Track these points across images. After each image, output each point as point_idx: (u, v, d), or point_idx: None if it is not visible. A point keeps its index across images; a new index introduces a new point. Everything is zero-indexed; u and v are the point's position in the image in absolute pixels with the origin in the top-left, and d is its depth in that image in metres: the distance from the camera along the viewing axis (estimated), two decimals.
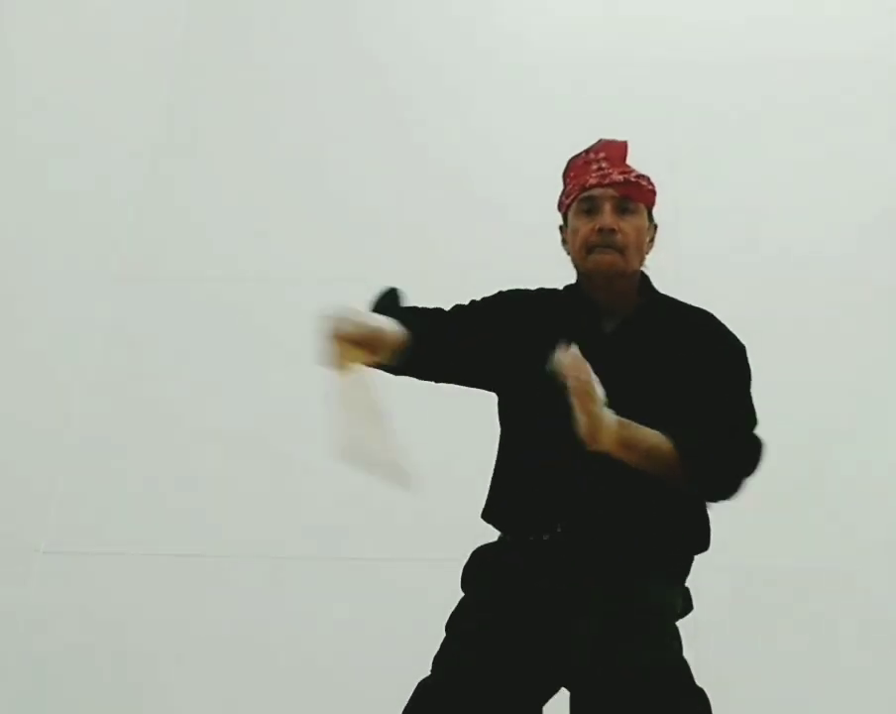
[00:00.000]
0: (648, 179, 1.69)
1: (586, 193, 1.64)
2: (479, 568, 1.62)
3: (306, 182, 3.62)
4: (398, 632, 2.73)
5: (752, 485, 2.88)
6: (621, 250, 1.60)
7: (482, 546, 1.66)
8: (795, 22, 3.78)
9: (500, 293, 1.75)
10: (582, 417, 1.35)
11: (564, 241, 1.73)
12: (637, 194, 1.65)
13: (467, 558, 1.67)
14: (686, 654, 1.55)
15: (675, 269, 3.24)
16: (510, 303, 1.71)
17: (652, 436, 1.44)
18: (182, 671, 2.82)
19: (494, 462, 1.70)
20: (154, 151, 3.73)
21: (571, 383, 1.35)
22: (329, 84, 3.87)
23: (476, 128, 3.66)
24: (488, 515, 1.66)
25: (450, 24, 3.97)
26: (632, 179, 1.64)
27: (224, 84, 3.91)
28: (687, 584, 1.63)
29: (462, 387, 1.74)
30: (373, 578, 2.87)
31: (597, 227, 1.60)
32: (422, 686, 1.49)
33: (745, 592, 2.79)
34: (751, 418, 1.63)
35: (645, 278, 1.71)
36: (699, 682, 1.55)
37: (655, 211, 1.75)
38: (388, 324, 1.59)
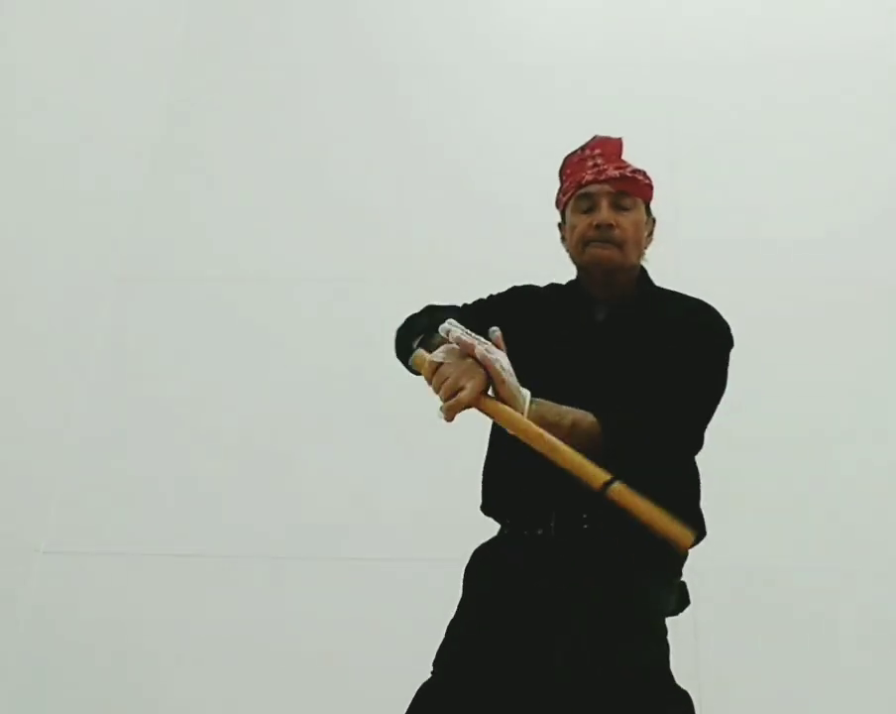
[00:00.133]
0: (645, 174, 1.69)
1: (583, 190, 1.65)
2: (477, 568, 1.63)
3: (306, 182, 3.63)
4: (399, 632, 2.72)
5: (753, 485, 2.90)
6: (620, 245, 1.62)
7: (481, 546, 1.66)
8: (796, 21, 3.78)
9: (513, 288, 1.76)
10: (501, 399, 1.36)
11: (563, 238, 1.74)
12: (634, 189, 1.65)
13: (468, 558, 1.68)
14: (686, 653, 1.55)
15: (675, 267, 3.25)
16: (520, 299, 1.72)
17: (573, 413, 1.42)
18: (182, 671, 2.82)
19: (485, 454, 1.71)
20: (154, 151, 3.74)
21: (491, 372, 1.35)
22: (329, 84, 3.87)
23: (476, 127, 3.66)
24: (486, 508, 1.67)
25: (451, 23, 3.98)
26: (628, 175, 1.65)
27: (224, 84, 3.91)
28: (688, 580, 1.62)
29: None
30: (373, 578, 2.87)
31: (594, 223, 1.62)
32: (423, 687, 1.50)
33: (745, 592, 2.79)
34: (691, 406, 1.53)
35: (644, 272, 1.72)
36: (699, 682, 1.54)
37: (655, 208, 1.75)
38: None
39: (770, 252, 3.31)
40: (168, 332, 3.36)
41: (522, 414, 1.38)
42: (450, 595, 1.67)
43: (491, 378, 1.36)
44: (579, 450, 1.38)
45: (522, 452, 1.46)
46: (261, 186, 3.64)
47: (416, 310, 1.66)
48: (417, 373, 1.48)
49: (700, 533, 1.61)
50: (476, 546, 1.70)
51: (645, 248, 1.70)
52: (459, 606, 1.61)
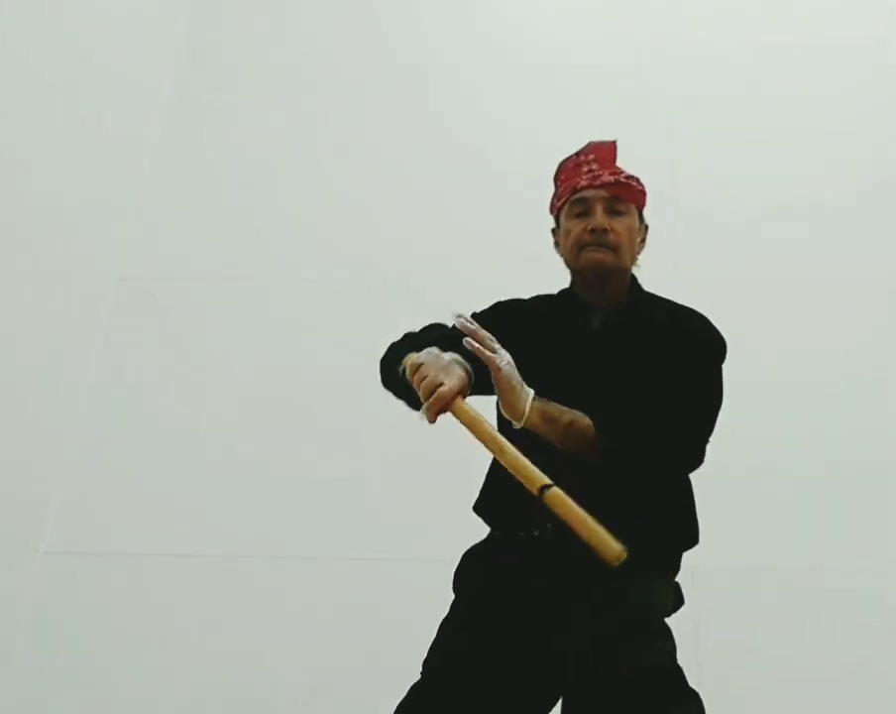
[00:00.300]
0: (638, 181, 1.70)
1: (577, 195, 1.66)
2: (468, 570, 1.64)
3: (307, 182, 3.63)
4: (399, 631, 2.72)
5: (753, 485, 2.90)
6: (615, 249, 1.63)
7: (471, 547, 1.67)
8: (796, 20, 3.79)
9: (498, 302, 1.78)
10: (502, 397, 1.45)
11: (556, 244, 1.75)
12: (628, 194, 1.67)
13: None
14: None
15: (674, 265, 3.25)
16: (507, 312, 1.74)
17: (571, 413, 1.47)
18: (182, 671, 2.82)
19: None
20: (154, 151, 3.74)
21: (494, 373, 1.43)
22: (329, 84, 3.87)
23: (476, 126, 3.66)
24: (479, 509, 1.69)
25: (454, 22, 3.98)
26: (623, 180, 1.66)
27: (225, 84, 3.92)
28: (688, 579, 1.62)
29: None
30: (373, 578, 2.87)
31: (589, 227, 1.63)
32: (412, 689, 1.52)
33: (745, 592, 2.79)
34: (693, 412, 1.57)
35: (634, 278, 1.73)
36: (699, 681, 1.54)
37: (655, 207, 1.75)
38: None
39: (770, 250, 3.31)
40: (167, 332, 3.36)
41: (524, 407, 1.44)
42: (450, 595, 1.67)
43: (491, 371, 1.43)
44: (575, 449, 1.44)
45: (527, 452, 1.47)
46: (261, 187, 3.64)
47: (397, 339, 1.70)
48: (406, 396, 1.55)
49: (693, 540, 1.64)
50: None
51: (638, 254, 1.71)
52: (450, 608, 1.62)
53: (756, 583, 2.79)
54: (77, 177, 3.21)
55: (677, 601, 1.61)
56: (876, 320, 3.18)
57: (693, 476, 1.69)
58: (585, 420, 1.47)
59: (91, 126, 3.31)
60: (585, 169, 1.67)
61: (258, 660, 2.82)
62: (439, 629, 1.59)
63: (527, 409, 1.45)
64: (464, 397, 1.44)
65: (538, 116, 3.63)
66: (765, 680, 2.67)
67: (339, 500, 2.99)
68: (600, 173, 1.66)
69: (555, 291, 1.81)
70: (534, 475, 1.39)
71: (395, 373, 1.56)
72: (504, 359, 1.44)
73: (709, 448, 1.68)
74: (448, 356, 1.45)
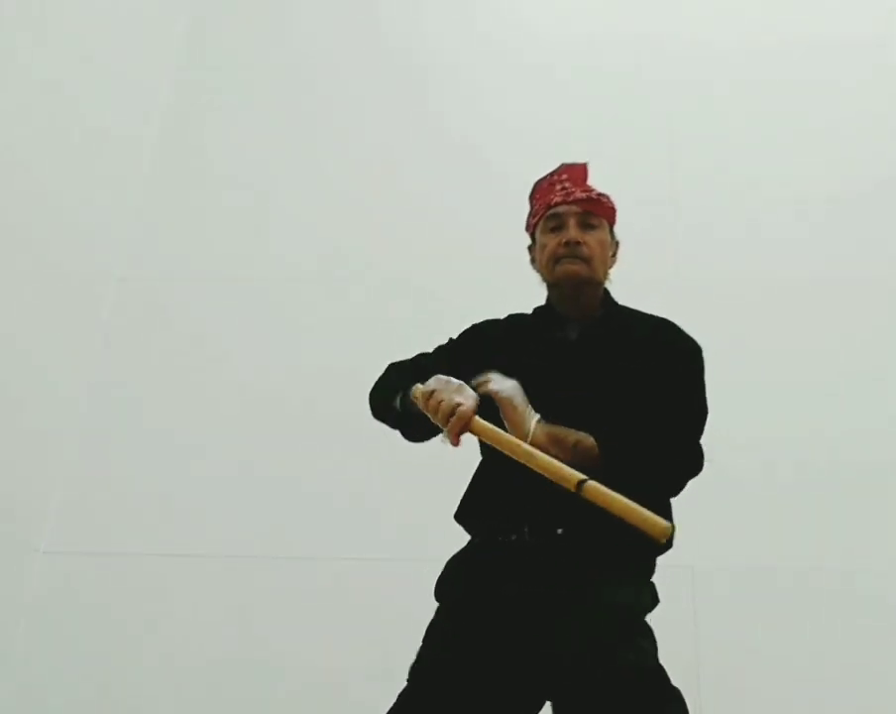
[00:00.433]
0: (608, 198, 1.80)
1: (552, 211, 1.76)
2: (450, 576, 1.69)
3: (307, 183, 3.63)
4: (399, 631, 2.71)
5: (753, 485, 2.90)
6: (587, 260, 1.72)
7: (454, 555, 1.71)
8: (797, 18, 3.79)
9: (473, 326, 1.85)
10: (508, 422, 1.53)
11: (533, 260, 1.83)
12: (599, 209, 1.77)
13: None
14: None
15: (675, 267, 3.25)
16: (483, 333, 1.82)
17: (576, 433, 1.55)
18: (182, 671, 2.82)
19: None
20: (154, 151, 3.74)
21: (496, 399, 1.53)
22: (329, 83, 3.87)
23: (478, 126, 3.66)
24: (459, 517, 1.73)
25: (455, 22, 3.98)
26: (594, 197, 1.77)
27: (225, 84, 3.92)
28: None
29: None
30: (373, 578, 2.87)
31: (563, 240, 1.72)
32: (400, 696, 1.56)
33: (745, 592, 2.79)
34: (690, 416, 1.65)
35: (607, 291, 1.81)
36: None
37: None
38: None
39: (769, 250, 3.31)
40: (167, 332, 3.36)
41: (529, 427, 1.52)
42: None
43: (498, 402, 1.54)
44: (580, 467, 1.47)
45: (502, 466, 1.57)
46: (261, 186, 3.64)
47: (381, 373, 1.78)
48: (400, 425, 1.68)
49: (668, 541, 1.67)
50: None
51: (610, 268, 1.80)
52: (434, 615, 1.66)
53: (756, 583, 2.79)
54: (77, 177, 3.21)
55: (653, 600, 1.66)
56: (877, 320, 3.18)
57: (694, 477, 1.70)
58: (589, 440, 1.54)
59: (91, 126, 3.31)
60: (558, 187, 1.77)
61: (258, 660, 2.82)
62: (424, 635, 1.63)
63: (532, 428, 1.52)
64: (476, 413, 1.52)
65: (538, 116, 3.63)
66: (765, 680, 2.66)
67: (339, 500, 2.99)
68: (572, 190, 1.76)
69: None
70: (568, 474, 1.44)
71: (391, 404, 1.65)
72: (501, 384, 1.54)
73: (709, 448, 1.69)
74: (456, 381, 1.53)
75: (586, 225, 1.74)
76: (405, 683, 1.59)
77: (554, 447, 1.52)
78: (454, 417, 1.48)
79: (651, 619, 1.67)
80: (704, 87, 3.67)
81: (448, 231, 3.41)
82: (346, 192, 3.58)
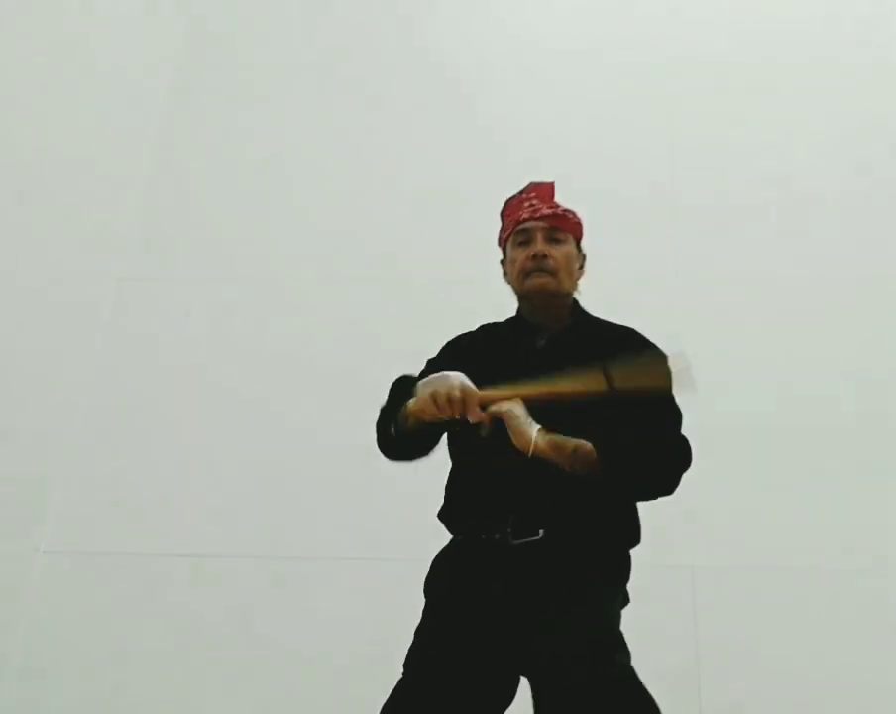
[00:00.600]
0: (574, 214, 1.91)
1: (521, 226, 1.87)
2: (435, 574, 1.78)
3: (307, 183, 3.63)
4: (399, 631, 2.72)
5: (753, 486, 2.90)
6: (553, 273, 1.82)
7: (438, 554, 1.79)
8: (799, 16, 3.80)
9: (447, 343, 1.95)
10: (512, 434, 1.62)
11: (505, 272, 1.94)
12: (565, 225, 1.87)
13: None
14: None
15: (675, 266, 3.25)
16: (458, 348, 1.92)
17: (575, 440, 1.64)
18: (182, 671, 2.82)
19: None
20: (154, 151, 3.73)
21: (499, 415, 1.62)
22: (329, 83, 3.87)
23: (478, 127, 3.67)
24: (442, 516, 1.82)
25: (454, 23, 3.99)
26: (560, 213, 1.87)
27: (225, 85, 3.91)
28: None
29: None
30: (372, 578, 2.87)
31: (531, 254, 1.83)
32: (395, 687, 1.64)
33: (745, 592, 2.79)
34: (674, 416, 1.74)
35: (576, 302, 1.91)
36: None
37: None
38: None
39: (769, 250, 3.31)
40: (167, 332, 3.36)
41: (532, 435, 1.62)
42: None
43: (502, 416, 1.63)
44: (583, 472, 1.60)
45: (481, 464, 1.71)
46: (261, 186, 3.64)
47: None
48: (408, 449, 1.80)
49: (636, 540, 1.76)
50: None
51: (577, 279, 1.89)
52: (423, 612, 1.74)
53: (756, 583, 2.79)
54: (77, 176, 3.22)
55: (625, 600, 1.73)
56: (878, 320, 3.18)
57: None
58: (588, 446, 1.62)
59: (91, 126, 3.32)
60: (527, 204, 1.88)
61: (257, 660, 2.82)
62: (415, 632, 1.71)
63: (534, 437, 1.61)
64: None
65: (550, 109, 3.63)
66: (765, 680, 2.66)
67: (339, 500, 2.99)
68: (540, 207, 1.86)
69: None
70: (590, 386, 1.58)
71: (390, 435, 1.79)
72: (503, 407, 1.63)
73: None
74: (436, 374, 1.64)
75: (552, 239, 1.84)
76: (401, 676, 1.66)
77: (555, 452, 1.62)
78: (465, 397, 1.59)
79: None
80: (705, 87, 3.68)
81: (452, 233, 3.41)
82: (347, 193, 3.58)
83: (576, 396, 1.60)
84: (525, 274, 1.83)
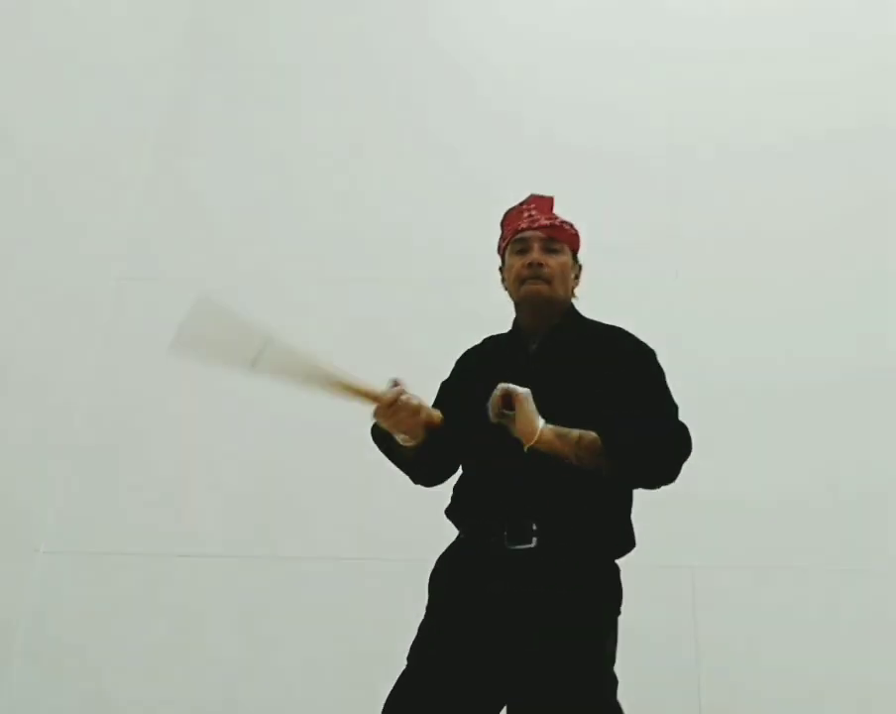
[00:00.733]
0: (572, 226, 1.97)
1: (519, 235, 1.93)
2: (438, 572, 1.83)
3: (307, 183, 3.63)
4: (399, 631, 2.72)
5: (753, 485, 2.90)
6: (548, 280, 1.89)
7: (443, 552, 1.84)
8: (799, 17, 3.80)
9: (456, 362, 2.03)
10: (520, 417, 1.65)
11: (503, 279, 2.00)
12: (561, 235, 1.94)
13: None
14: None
15: (675, 266, 3.26)
16: (464, 364, 2.01)
17: (579, 431, 1.69)
18: (182, 671, 2.82)
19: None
20: (154, 151, 3.74)
21: (513, 393, 1.66)
22: (330, 84, 3.87)
23: (479, 126, 3.67)
24: (449, 512, 1.87)
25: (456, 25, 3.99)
26: (557, 224, 1.94)
27: (224, 85, 3.91)
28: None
29: None
30: (372, 578, 2.87)
31: (527, 262, 1.90)
32: (400, 676, 1.72)
33: (745, 592, 2.79)
34: (671, 406, 1.80)
35: (572, 307, 1.97)
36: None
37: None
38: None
39: (769, 251, 3.31)
40: (168, 332, 3.34)
41: (537, 427, 1.65)
42: None
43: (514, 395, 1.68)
44: (588, 462, 1.65)
45: (486, 469, 1.77)
46: (261, 187, 3.64)
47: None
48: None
49: (630, 545, 1.80)
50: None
51: (573, 288, 1.96)
52: (426, 608, 1.80)
53: (756, 583, 2.79)
54: (77, 176, 3.21)
55: (618, 610, 1.75)
56: (879, 320, 3.18)
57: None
58: (591, 435, 1.68)
59: (91, 126, 3.31)
60: (526, 214, 1.95)
61: (257, 660, 2.82)
62: (419, 627, 1.77)
63: (540, 427, 1.65)
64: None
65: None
66: (765, 680, 2.67)
67: (339, 500, 2.99)
68: (538, 217, 1.93)
69: None
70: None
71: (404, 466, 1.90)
72: (520, 390, 1.67)
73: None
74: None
75: (549, 249, 1.91)
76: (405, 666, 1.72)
77: (560, 441, 1.66)
78: (391, 396, 1.71)
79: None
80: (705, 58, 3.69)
81: (452, 233, 3.41)
82: (347, 192, 3.58)
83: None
84: (521, 281, 1.89)
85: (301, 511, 3.01)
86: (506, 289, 1.97)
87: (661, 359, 1.86)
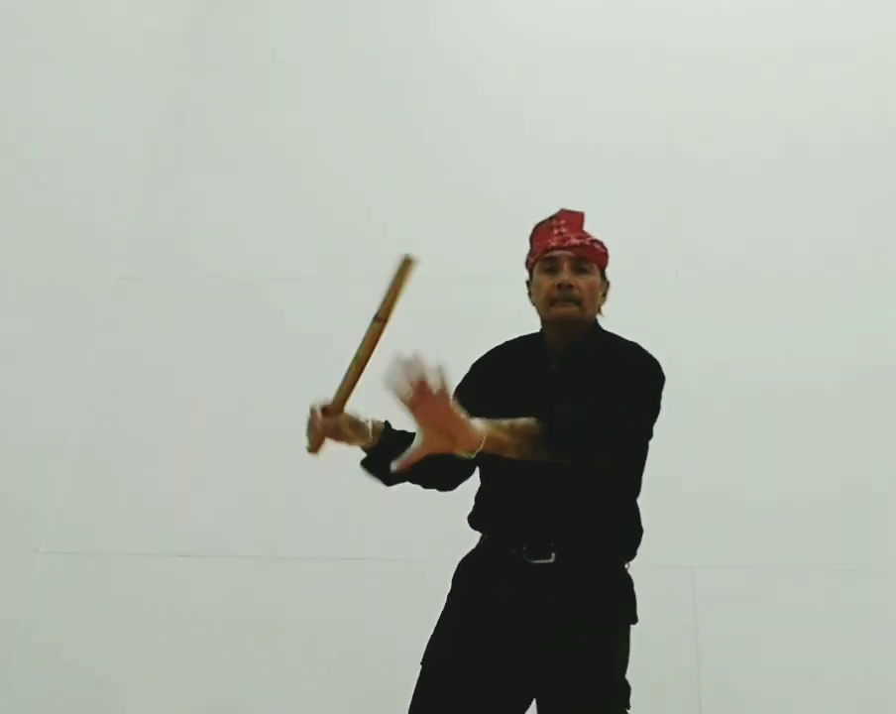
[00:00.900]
0: (602, 244, 1.94)
1: (548, 254, 1.90)
2: (459, 576, 1.84)
3: (307, 182, 3.62)
4: (399, 631, 2.72)
5: (753, 486, 2.90)
6: (578, 302, 1.87)
7: (466, 555, 1.86)
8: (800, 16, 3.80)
9: (473, 364, 2.01)
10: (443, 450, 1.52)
11: (530, 294, 1.98)
12: (591, 255, 1.91)
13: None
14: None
15: (675, 266, 3.26)
16: (482, 368, 1.99)
17: (509, 420, 1.58)
18: (182, 671, 2.82)
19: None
20: (154, 151, 3.74)
21: (408, 460, 1.54)
22: (329, 84, 3.87)
23: (479, 127, 3.67)
24: (471, 520, 1.88)
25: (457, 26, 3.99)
26: (587, 244, 1.91)
27: (224, 85, 3.91)
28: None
29: None
30: (372, 578, 2.87)
31: (557, 283, 1.87)
32: (420, 677, 1.74)
33: (745, 592, 2.79)
34: (629, 408, 1.71)
35: (596, 323, 1.94)
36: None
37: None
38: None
39: (769, 252, 3.31)
40: (167, 332, 3.36)
41: (473, 428, 1.52)
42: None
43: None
44: (528, 449, 1.56)
45: (509, 480, 1.75)
46: (260, 187, 3.64)
47: None
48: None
49: (639, 541, 1.82)
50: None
51: (601, 305, 1.94)
52: (444, 607, 1.81)
53: (756, 583, 2.79)
54: (78, 176, 3.21)
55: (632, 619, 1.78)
56: (879, 320, 3.18)
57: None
58: (524, 420, 1.59)
59: (92, 126, 3.31)
60: (556, 232, 1.91)
61: (257, 660, 2.82)
62: (435, 627, 1.78)
63: (475, 423, 1.51)
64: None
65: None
66: (765, 680, 2.67)
67: (339, 500, 2.99)
68: (568, 235, 1.89)
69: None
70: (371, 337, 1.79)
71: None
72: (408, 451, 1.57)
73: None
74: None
75: (579, 269, 1.88)
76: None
77: (493, 428, 1.53)
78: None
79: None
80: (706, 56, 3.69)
81: (452, 234, 3.41)
82: (348, 192, 3.58)
83: (369, 352, 1.74)
84: (551, 301, 1.87)
85: (301, 511, 3.01)
86: (534, 304, 1.95)
87: (661, 360, 1.83)
